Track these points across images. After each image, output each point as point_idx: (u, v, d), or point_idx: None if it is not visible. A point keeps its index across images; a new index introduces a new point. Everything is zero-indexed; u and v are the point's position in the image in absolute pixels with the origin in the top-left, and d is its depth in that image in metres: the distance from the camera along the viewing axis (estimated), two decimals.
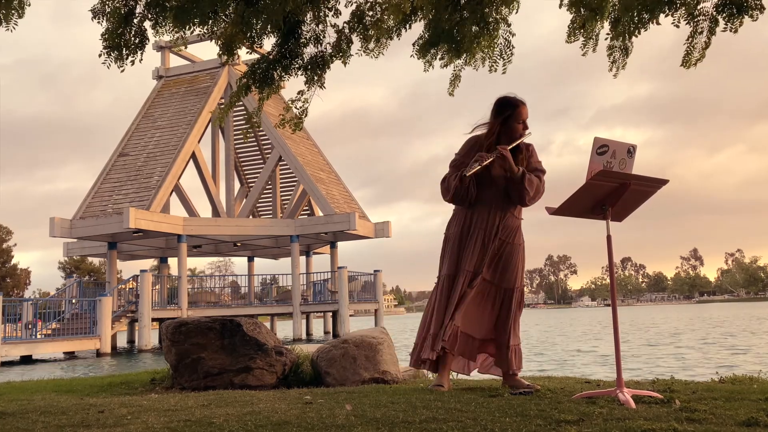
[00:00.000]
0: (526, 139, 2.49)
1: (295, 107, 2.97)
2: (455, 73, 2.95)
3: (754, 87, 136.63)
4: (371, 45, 2.87)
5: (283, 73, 2.82)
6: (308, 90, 2.88)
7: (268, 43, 2.87)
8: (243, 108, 18.14)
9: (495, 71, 2.87)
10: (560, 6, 2.84)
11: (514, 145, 2.44)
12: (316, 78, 2.82)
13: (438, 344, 2.38)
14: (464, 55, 2.81)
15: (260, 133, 20.83)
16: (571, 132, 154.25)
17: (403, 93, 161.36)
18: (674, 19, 2.57)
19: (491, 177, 2.43)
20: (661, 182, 2.15)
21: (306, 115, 2.99)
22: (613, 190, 2.13)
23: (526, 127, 2.48)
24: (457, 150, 2.55)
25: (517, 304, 2.47)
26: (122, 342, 18.42)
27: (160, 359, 9.34)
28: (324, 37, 2.79)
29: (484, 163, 2.35)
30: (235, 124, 20.03)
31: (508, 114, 2.45)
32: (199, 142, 18.12)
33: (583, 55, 2.81)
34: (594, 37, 2.79)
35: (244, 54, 3.17)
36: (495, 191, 2.45)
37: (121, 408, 2.22)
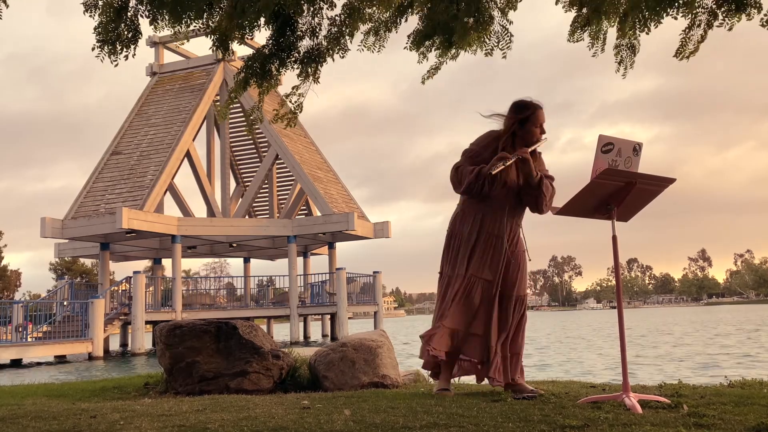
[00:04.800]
0: (541, 145, 2.46)
1: (290, 101, 2.93)
2: (437, 65, 2.91)
3: (763, 81, 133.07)
4: (371, 39, 2.83)
5: (280, 67, 2.77)
6: (303, 84, 2.84)
7: (263, 36, 2.83)
8: (238, 104, 18.06)
9: (491, 55, 2.82)
10: (556, 3, 2.80)
11: (533, 148, 2.40)
12: (311, 71, 2.78)
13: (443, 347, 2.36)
14: (453, 50, 2.78)
15: (256, 131, 20.72)
16: (576, 128, 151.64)
17: (404, 88, 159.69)
18: (673, 11, 2.54)
19: (505, 180, 2.40)
20: (667, 181, 2.12)
21: (301, 111, 2.95)
22: (618, 189, 2.10)
23: (543, 132, 2.44)
24: (472, 141, 2.50)
25: (524, 312, 2.48)
26: (115, 345, 18.25)
27: (154, 363, 9.27)
28: (320, 29, 2.75)
29: (508, 164, 2.31)
30: (231, 120, 19.92)
31: (527, 114, 2.40)
32: (193, 140, 18.00)
33: (593, 56, 2.78)
34: (602, 36, 2.76)
35: (241, 50, 3.12)
36: (506, 195, 2.42)
37: (114, 413, 2.18)
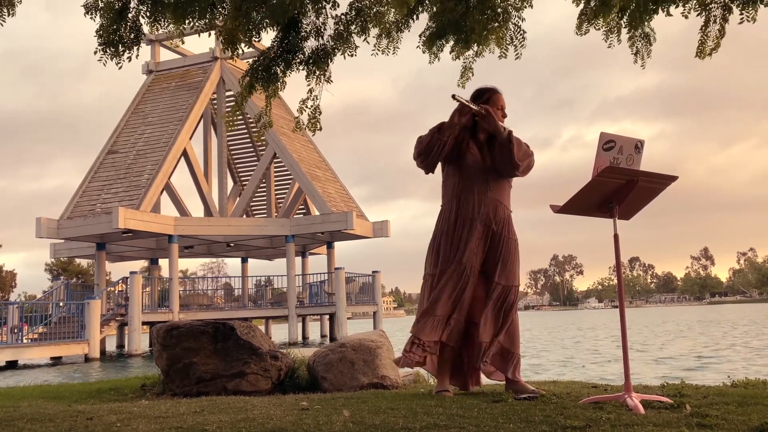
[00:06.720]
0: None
1: (306, 106, 2.90)
2: (466, 65, 2.89)
3: (766, 78, 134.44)
4: (383, 42, 2.82)
5: (285, 69, 2.75)
6: (316, 86, 2.83)
7: (268, 38, 2.81)
8: (233, 101, 17.95)
9: (505, 57, 2.81)
10: None
11: (497, 120, 2.37)
12: (319, 72, 2.76)
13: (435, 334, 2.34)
14: (475, 46, 2.76)
15: (254, 129, 20.65)
16: (577, 126, 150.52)
17: (403, 85, 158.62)
18: (684, 10, 2.53)
19: (469, 163, 2.38)
20: (669, 179, 2.11)
21: (320, 113, 2.91)
22: (620, 187, 2.08)
23: (505, 116, 2.45)
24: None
25: (515, 303, 2.40)
26: (111, 346, 18.16)
27: (151, 364, 9.22)
28: (324, 29, 2.73)
29: (472, 106, 2.30)
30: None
31: (486, 98, 2.41)
32: (190, 138, 17.92)
33: (608, 47, 2.76)
34: (616, 27, 2.74)
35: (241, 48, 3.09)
36: (477, 178, 2.37)
37: (111, 415, 2.16)
